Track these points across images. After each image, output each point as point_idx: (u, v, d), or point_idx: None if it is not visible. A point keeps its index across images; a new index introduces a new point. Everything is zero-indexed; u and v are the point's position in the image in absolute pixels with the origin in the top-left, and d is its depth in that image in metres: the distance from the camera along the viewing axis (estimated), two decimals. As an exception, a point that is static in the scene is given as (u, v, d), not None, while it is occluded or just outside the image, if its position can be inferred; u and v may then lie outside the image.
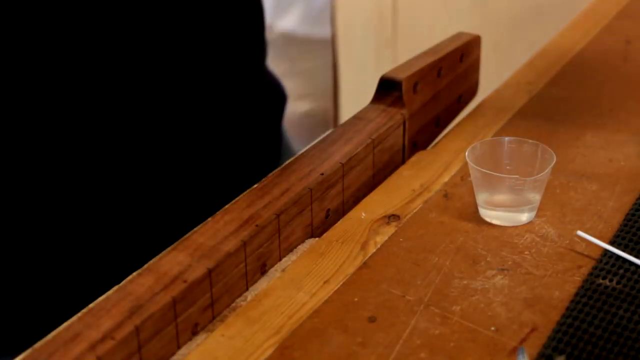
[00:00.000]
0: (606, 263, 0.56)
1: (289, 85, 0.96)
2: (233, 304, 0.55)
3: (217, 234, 0.55)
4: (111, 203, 0.69)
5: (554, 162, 0.61)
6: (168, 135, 0.71)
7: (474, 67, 0.81)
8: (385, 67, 0.78)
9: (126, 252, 0.71)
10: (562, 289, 0.55)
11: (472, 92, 0.83)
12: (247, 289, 0.56)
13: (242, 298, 0.56)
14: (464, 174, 0.67)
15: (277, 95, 0.85)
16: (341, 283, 0.56)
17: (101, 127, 0.66)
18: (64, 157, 0.66)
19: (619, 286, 0.54)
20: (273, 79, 0.85)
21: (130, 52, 0.66)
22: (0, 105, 0.63)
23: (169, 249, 0.54)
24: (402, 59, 0.75)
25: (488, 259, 0.58)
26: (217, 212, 0.57)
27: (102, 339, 0.47)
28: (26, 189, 0.66)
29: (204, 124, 0.73)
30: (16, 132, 0.64)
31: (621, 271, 0.56)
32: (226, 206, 0.58)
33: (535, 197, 0.61)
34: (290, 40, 2.54)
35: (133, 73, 0.67)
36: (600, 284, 0.54)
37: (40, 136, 0.64)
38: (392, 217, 0.63)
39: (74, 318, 0.48)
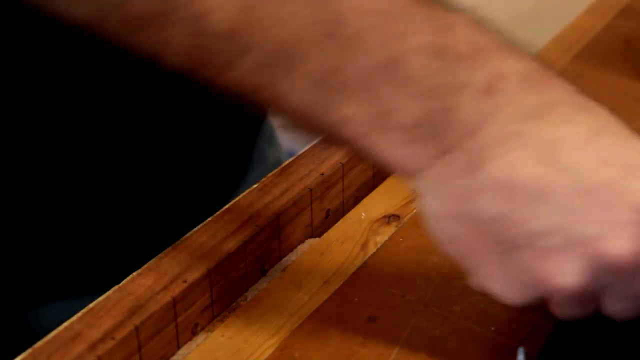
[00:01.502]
0: (606, 263, 0.56)
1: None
2: (233, 304, 0.55)
3: (217, 234, 0.55)
4: (110, 202, 0.69)
5: (554, 162, 0.61)
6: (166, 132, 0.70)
7: (474, 67, 0.81)
8: (385, 67, 0.78)
9: (126, 252, 0.71)
10: (562, 289, 0.54)
11: (472, 92, 0.83)
12: (247, 289, 0.56)
13: (242, 298, 0.56)
14: (464, 174, 0.67)
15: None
16: (341, 283, 0.56)
17: (100, 126, 0.66)
18: (62, 156, 0.65)
19: (619, 286, 0.54)
20: None
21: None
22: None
23: (169, 249, 0.54)
24: (402, 59, 0.75)
25: (488, 259, 0.57)
26: (217, 212, 0.57)
27: (102, 339, 0.47)
28: (25, 189, 0.66)
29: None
30: (15, 131, 0.64)
31: (621, 271, 0.55)
32: (226, 206, 0.58)
33: (535, 197, 0.61)
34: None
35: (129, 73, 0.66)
36: (600, 284, 0.54)
37: (37, 135, 0.64)
38: (392, 217, 0.63)
39: (74, 318, 0.48)
